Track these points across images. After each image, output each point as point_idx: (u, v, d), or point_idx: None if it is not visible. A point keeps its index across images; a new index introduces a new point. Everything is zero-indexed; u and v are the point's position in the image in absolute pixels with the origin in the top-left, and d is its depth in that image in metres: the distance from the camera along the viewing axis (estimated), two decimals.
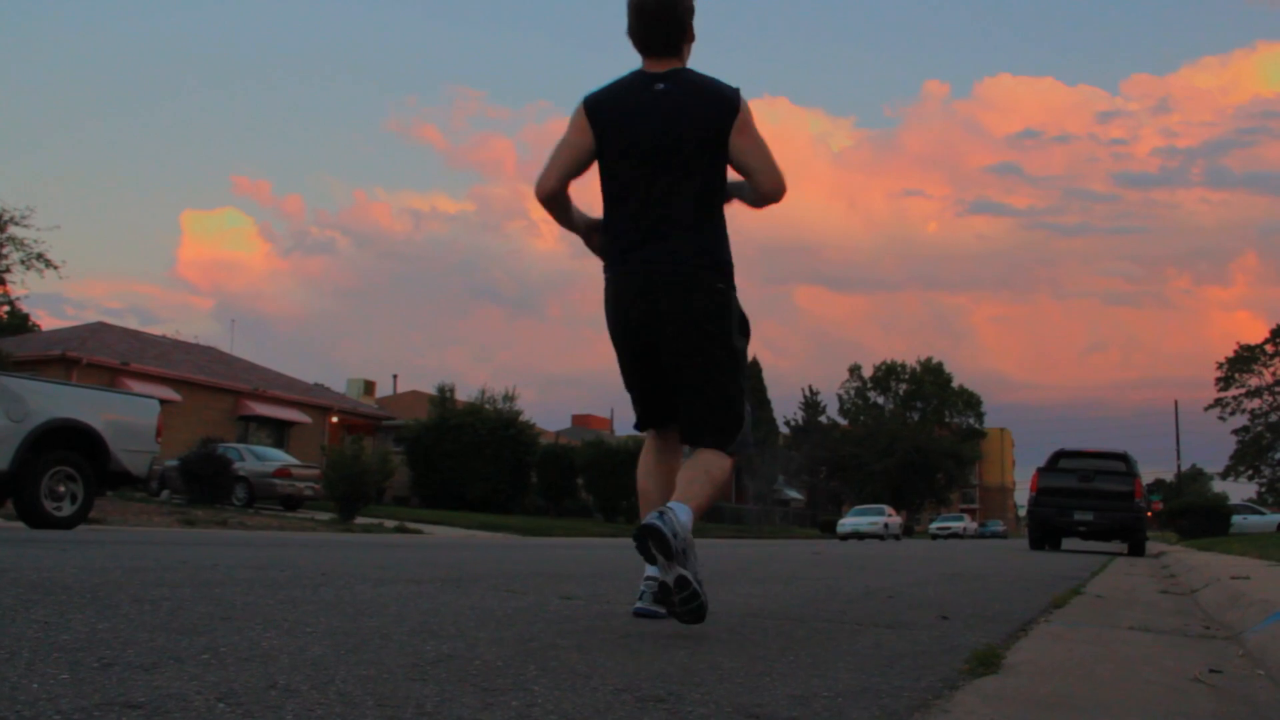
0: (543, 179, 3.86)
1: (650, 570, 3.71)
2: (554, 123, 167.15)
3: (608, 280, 3.89)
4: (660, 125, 3.73)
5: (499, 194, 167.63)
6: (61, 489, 11.59)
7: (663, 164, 3.74)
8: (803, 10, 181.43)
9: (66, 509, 11.62)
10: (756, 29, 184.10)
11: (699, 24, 3.88)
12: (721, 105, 3.74)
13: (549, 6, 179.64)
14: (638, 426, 4.11)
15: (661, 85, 3.79)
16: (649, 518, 3.33)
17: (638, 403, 4.03)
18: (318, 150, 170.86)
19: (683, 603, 3.33)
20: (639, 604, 3.85)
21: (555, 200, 3.89)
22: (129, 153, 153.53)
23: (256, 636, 2.96)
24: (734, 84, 3.82)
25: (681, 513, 3.39)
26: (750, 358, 4.20)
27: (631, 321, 3.82)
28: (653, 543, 3.28)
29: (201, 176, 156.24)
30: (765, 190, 3.85)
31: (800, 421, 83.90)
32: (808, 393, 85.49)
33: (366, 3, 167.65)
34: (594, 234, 3.98)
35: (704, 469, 3.71)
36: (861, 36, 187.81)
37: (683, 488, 3.61)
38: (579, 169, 3.86)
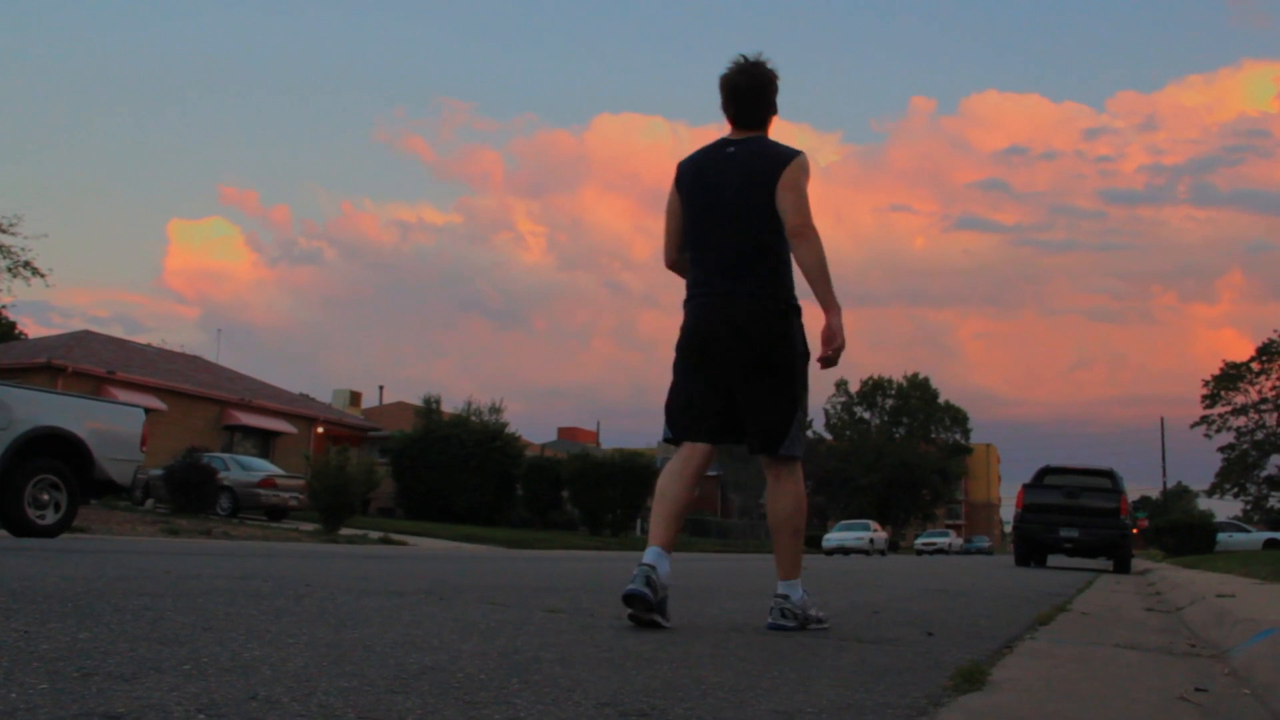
0: (666, 253, 4.66)
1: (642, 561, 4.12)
2: (542, 135, 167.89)
3: (686, 311, 4.46)
4: (722, 181, 4.36)
5: (486, 206, 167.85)
6: (45, 497, 11.53)
7: (725, 214, 4.34)
8: (789, 25, 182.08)
9: (50, 517, 11.56)
10: (743, 43, 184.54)
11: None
12: (775, 162, 4.32)
13: (538, 19, 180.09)
14: (674, 439, 4.47)
15: (731, 149, 4.43)
16: (635, 582, 3.97)
17: (684, 416, 4.42)
18: (305, 160, 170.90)
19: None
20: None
21: (678, 266, 4.63)
22: (116, 161, 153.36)
23: (238, 647, 2.94)
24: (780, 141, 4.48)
25: (789, 590, 4.34)
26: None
27: (702, 344, 4.35)
28: (638, 604, 3.99)
29: (189, 186, 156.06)
30: (789, 227, 4.29)
31: None
32: None
33: (355, 13, 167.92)
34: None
35: (786, 525, 4.39)
36: (848, 52, 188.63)
37: (783, 564, 4.42)
38: (682, 230, 4.53)
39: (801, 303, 4.46)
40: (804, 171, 4.34)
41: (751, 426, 4.33)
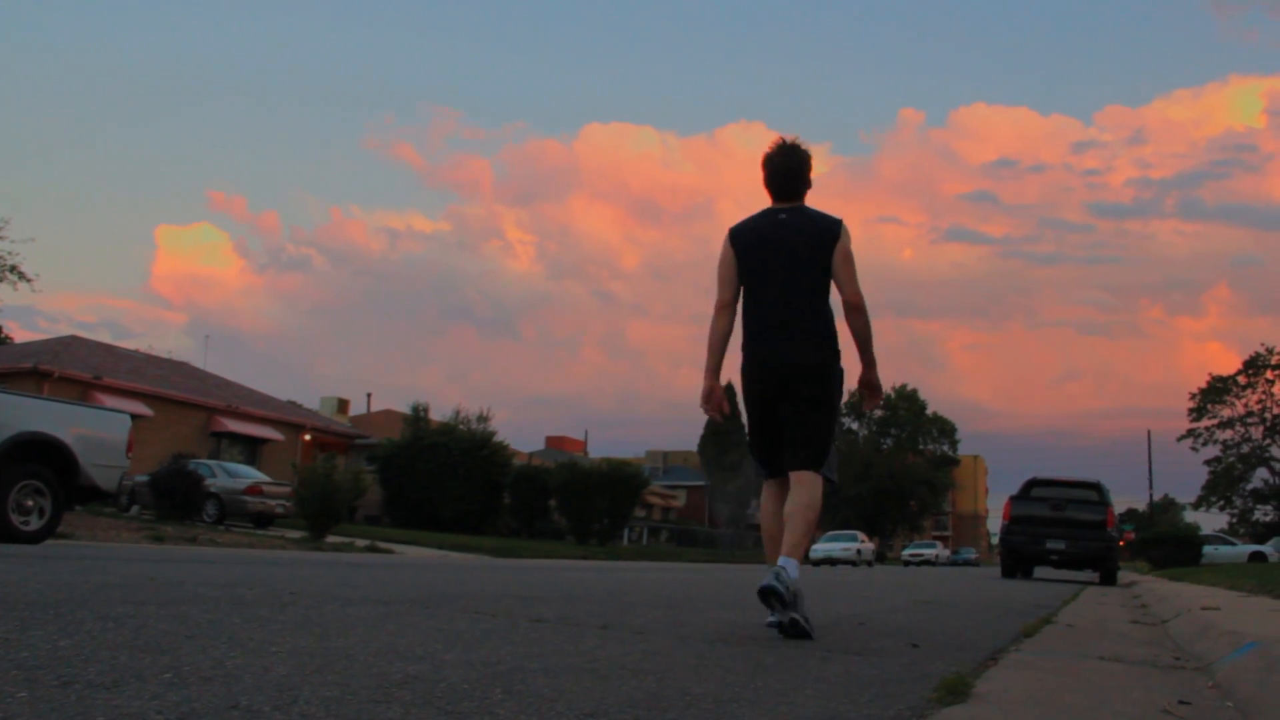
0: (720, 295, 5.18)
1: (771, 618, 4.79)
2: (532, 143, 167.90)
3: (745, 357, 5.12)
4: (779, 245, 5.04)
5: (475, 214, 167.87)
6: (29, 503, 11.47)
7: (783, 272, 5.03)
8: (779, 36, 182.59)
9: (34, 523, 11.49)
10: (734, 53, 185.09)
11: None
12: (827, 231, 5.03)
13: (527, 28, 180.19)
14: (765, 476, 5.27)
15: (783, 216, 5.10)
16: (769, 580, 4.50)
17: (765, 456, 5.22)
18: (294, 167, 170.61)
19: (794, 636, 4.55)
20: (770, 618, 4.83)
21: (730, 307, 5.17)
22: (104, 166, 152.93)
23: (221, 655, 2.93)
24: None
25: (791, 569, 4.57)
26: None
27: (764, 383, 5.06)
28: (775, 599, 4.51)
29: (177, 191, 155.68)
30: (845, 298, 5.06)
31: None
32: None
33: (344, 20, 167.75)
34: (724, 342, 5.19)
35: (801, 513, 4.83)
36: (837, 63, 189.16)
37: (788, 543, 4.73)
38: (736, 283, 5.15)
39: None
40: (850, 239, 5.07)
41: (798, 448, 4.97)
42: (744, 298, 5.15)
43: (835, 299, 5.10)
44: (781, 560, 4.61)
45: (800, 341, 4.99)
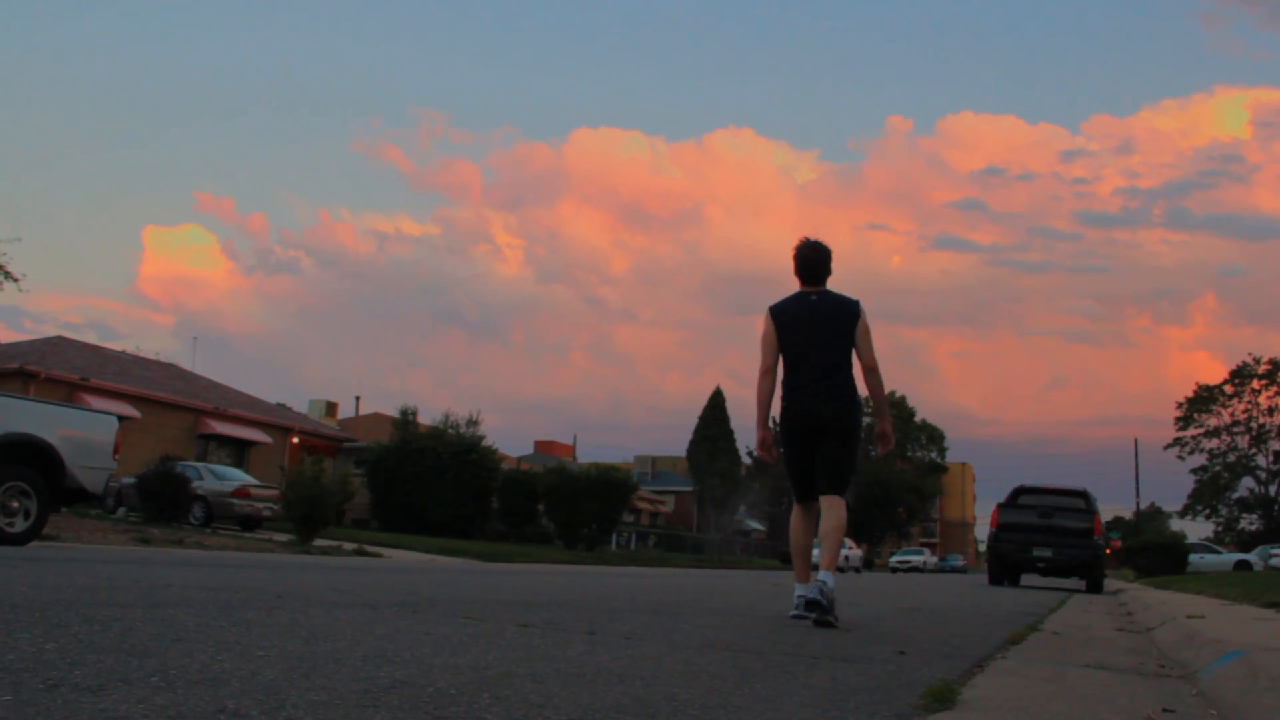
0: (764, 361, 6.43)
1: (799, 590, 6.27)
2: (520, 148, 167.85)
3: (785, 406, 6.36)
4: (813, 320, 6.36)
5: (464, 217, 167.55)
6: (15, 504, 11.42)
7: (818, 341, 6.33)
8: (768, 43, 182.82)
9: (19, 525, 11.44)
10: (723, 60, 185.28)
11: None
12: (849, 311, 6.36)
13: (515, 32, 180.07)
14: (797, 500, 6.47)
15: (814, 298, 6.43)
16: (811, 592, 5.80)
17: (799, 485, 6.41)
18: (282, 169, 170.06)
19: (823, 626, 5.72)
20: (795, 610, 6.23)
21: (772, 372, 6.44)
22: (91, 167, 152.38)
23: (208, 659, 2.92)
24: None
25: (829, 580, 5.79)
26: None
27: (801, 427, 6.29)
28: (817, 609, 5.72)
29: (164, 192, 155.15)
30: (864, 363, 6.38)
31: None
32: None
33: (331, 23, 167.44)
34: (769, 401, 6.46)
35: (833, 534, 6.00)
36: (825, 70, 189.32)
37: (825, 560, 5.91)
38: (777, 351, 6.41)
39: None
40: (867, 315, 6.39)
41: (829, 478, 6.19)
42: (783, 362, 6.41)
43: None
44: (821, 574, 5.80)
45: (829, 397, 6.24)
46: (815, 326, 6.32)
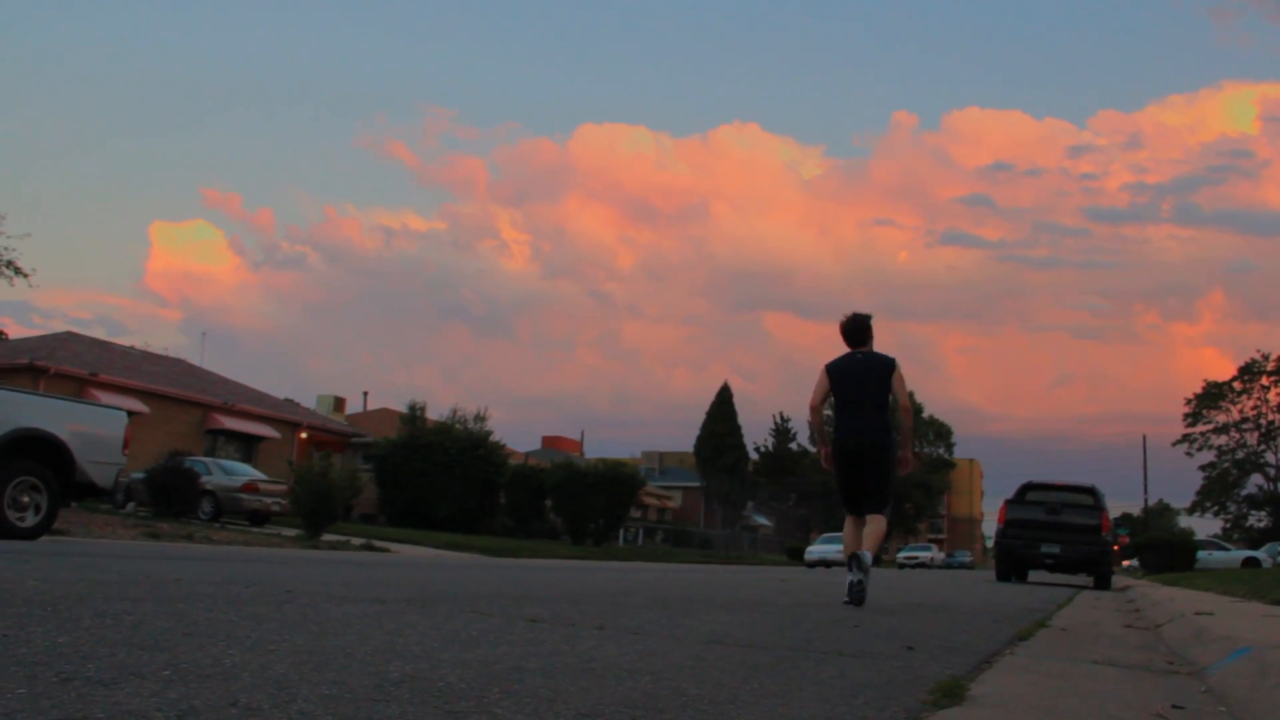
0: (813, 399, 8.26)
1: (850, 577, 7.70)
2: (525, 143, 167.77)
3: (835, 439, 8.07)
4: (860, 373, 8.06)
5: (470, 213, 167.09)
6: (25, 499, 11.46)
7: (864, 390, 8.04)
8: (772, 38, 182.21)
9: (30, 520, 11.48)
10: (728, 55, 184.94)
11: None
12: (888, 367, 8.04)
13: (520, 28, 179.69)
14: (850, 513, 8.13)
15: (860, 357, 8.12)
16: (858, 551, 7.63)
17: (849, 500, 8.13)
18: (288, 164, 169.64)
19: (858, 597, 7.61)
20: (846, 598, 7.75)
21: (819, 408, 8.29)
22: (99, 163, 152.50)
23: (219, 653, 2.93)
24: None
25: (867, 557, 7.60)
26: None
27: (851, 456, 7.99)
28: (857, 562, 7.60)
29: (171, 188, 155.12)
30: (901, 404, 8.20)
31: (770, 448, 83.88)
32: (778, 419, 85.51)
33: (336, 19, 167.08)
34: (826, 429, 8.24)
35: (873, 536, 7.82)
36: (830, 66, 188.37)
37: (867, 541, 7.78)
38: (826, 395, 8.18)
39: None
40: (901, 368, 8.07)
41: (871, 499, 7.96)
42: (835, 405, 8.18)
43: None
44: (862, 552, 7.63)
45: (870, 437, 7.95)
46: (860, 379, 8.06)
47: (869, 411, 8.00)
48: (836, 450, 8.09)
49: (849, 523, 8.13)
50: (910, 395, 8.35)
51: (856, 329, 8.18)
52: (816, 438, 8.51)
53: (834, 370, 8.18)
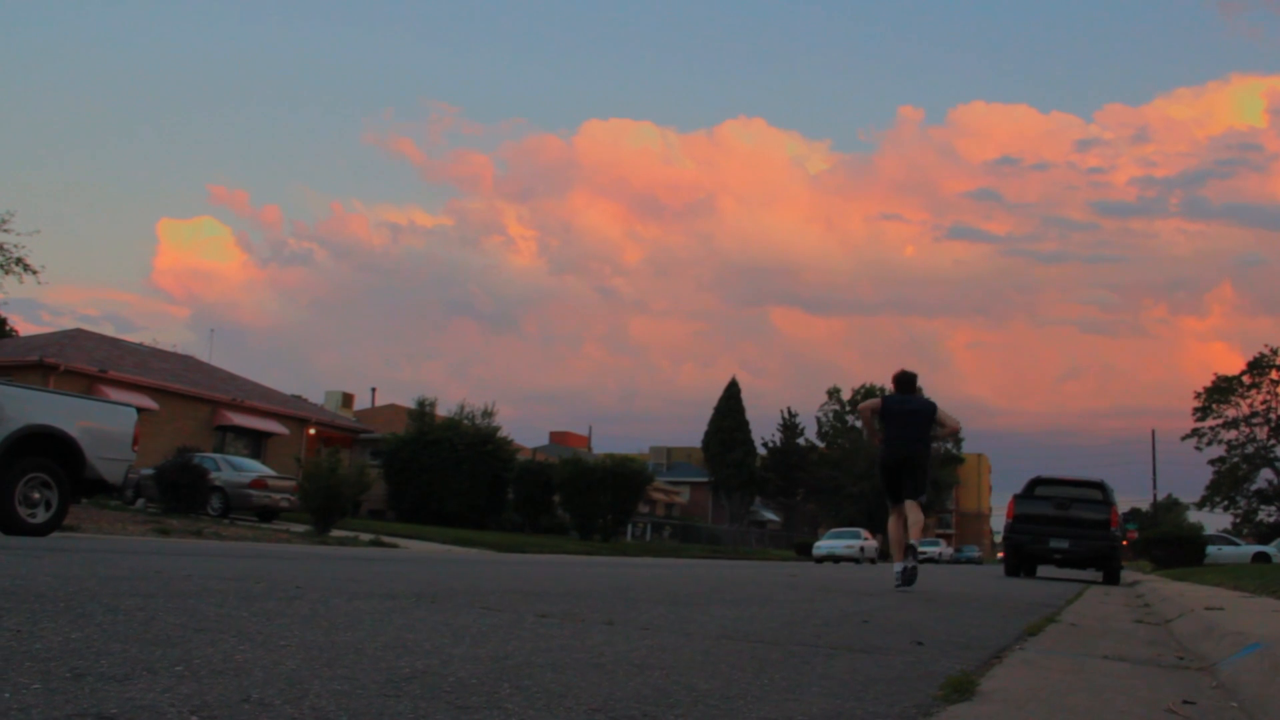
0: (866, 406, 11.25)
1: (896, 567, 10.05)
2: (531, 139, 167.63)
3: (883, 451, 10.58)
4: (909, 411, 10.59)
5: (476, 209, 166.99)
6: (36, 496, 11.50)
7: (911, 421, 10.51)
8: (777, 33, 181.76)
9: (40, 516, 11.52)
10: (733, 50, 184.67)
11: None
12: (929, 409, 10.62)
13: (524, 24, 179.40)
14: (892, 504, 10.49)
15: (909, 400, 10.72)
16: (906, 564, 10.00)
17: (891, 493, 10.51)
18: (295, 161, 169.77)
19: (910, 581, 9.90)
20: (898, 583, 9.94)
21: (867, 415, 11.19)
22: (106, 160, 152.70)
23: (230, 649, 2.94)
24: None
25: (916, 544, 10.07)
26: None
27: (891, 465, 10.46)
28: (912, 552, 10.05)
29: (178, 185, 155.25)
30: (951, 427, 10.86)
31: (778, 443, 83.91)
32: (786, 415, 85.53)
33: (341, 16, 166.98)
34: (876, 434, 10.82)
35: (916, 524, 10.12)
36: (834, 61, 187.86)
37: (913, 531, 10.09)
38: (875, 412, 10.84)
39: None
40: (939, 408, 10.63)
41: (911, 487, 10.37)
42: (885, 431, 10.59)
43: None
44: (911, 540, 10.04)
45: (909, 453, 10.44)
46: (906, 417, 10.59)
47: (910, 441, 10.51)
48: (881, 464, 10.72)
49: (892, 515, 10.51)
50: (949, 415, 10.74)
51: (906, 382, 10.95)
52: (865, 431, 11.75)
53: (890, 403, 10.87)
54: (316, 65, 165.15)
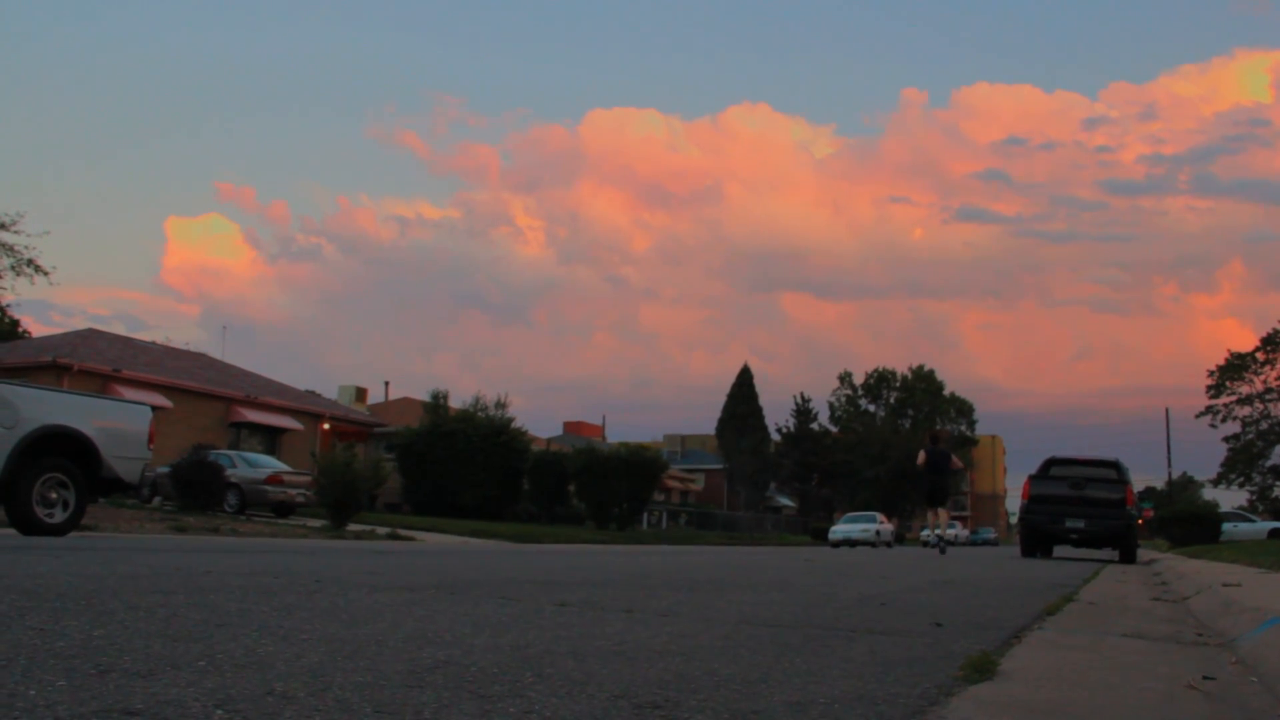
0: (921, 459, 21.39)
1: (933, 537, 22.33)
2: (535, 130, 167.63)
3: (927, 483, 21.60)
4: (941, 459, 21.43)
5: (483, 200, 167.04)
6: (53, 496, 11.55)
7: (939, 469, 21.32)
8: (779, 18, 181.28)
9: (58, 516, 11.57)
10: (736, 36, 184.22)
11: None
12: (949, 456, 21.73)
13: (525, 14, 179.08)
14: (930, 505, 22.12)
15: (940, 447, 22.03)
16: (934, 539, 21.92)
17: (931, 500, 21.80)
18: (300, 156, 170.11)
19: (943, 549, 20.89)
20: (934, 547, 21.83)
21: (921, 463, 21.48)
22: (113, 159, 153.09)
23: (252, 643, 2.96)
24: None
25: (945, 530, 21.85)
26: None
27: (932, 485, 21.50)
28: (941, 544, 21.19)
29: (185, 182, 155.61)
30: (955, 464, 22.38)
31: (792, 428, 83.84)
32: (799, 400, 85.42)
33: (343, 10, 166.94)
34: (922, 469, 21.86)
35: (945, 515, 21.67)
36: (837, 44, 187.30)
37: (942, 517, 21.67)
38: (924, 460, 21.51)
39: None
40: (954, 456, 22.67)
41: (942, 493, 21.36)
42: (925, 467, 20.88)
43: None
44: (941, 528, 21.06)
45: (942, 483, 21.11)
46: (938, 460, 20.43)
47: (941, 473, 20.27)
48: (926, 488, 20.89)
49: (930, 513, 20.65)
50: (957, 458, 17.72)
51: (936, 439, 20.29)
52: (922, 471, 21.06)
53: (930, 454, 20.57)
54: (319, 60, 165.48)
